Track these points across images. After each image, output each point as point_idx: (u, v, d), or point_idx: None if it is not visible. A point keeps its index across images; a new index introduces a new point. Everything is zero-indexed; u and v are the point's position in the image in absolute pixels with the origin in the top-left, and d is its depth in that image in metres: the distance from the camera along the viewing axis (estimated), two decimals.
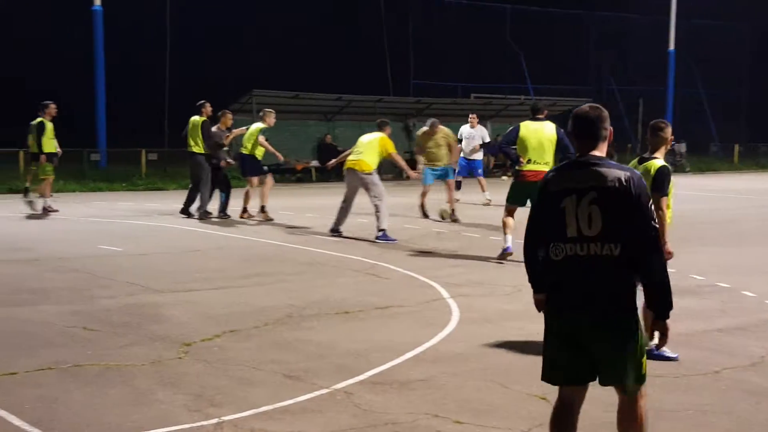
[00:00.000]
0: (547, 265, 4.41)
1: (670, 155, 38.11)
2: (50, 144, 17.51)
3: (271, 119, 17.07)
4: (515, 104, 36.60)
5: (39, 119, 17.39)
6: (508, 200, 12.07)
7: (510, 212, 12.03)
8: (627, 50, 52.62)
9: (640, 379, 4.42)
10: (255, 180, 17.19)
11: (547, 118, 12.31)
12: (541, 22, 50.02)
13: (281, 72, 45.27)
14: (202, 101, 17.37)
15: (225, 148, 17.33)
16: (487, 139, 20.62)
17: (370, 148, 14.35)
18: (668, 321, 4.35)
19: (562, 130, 11.97)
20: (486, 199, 20.14)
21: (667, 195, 7.15)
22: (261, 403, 5.77)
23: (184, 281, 10.24)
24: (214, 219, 16.61)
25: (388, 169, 31.03)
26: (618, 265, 4.21)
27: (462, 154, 19.88)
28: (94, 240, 13.55)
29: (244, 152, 17.08)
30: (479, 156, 20.60)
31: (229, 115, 17.55)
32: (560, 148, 11.90)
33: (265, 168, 17.19)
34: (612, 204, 4.21)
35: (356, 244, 13.57)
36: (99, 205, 19.77)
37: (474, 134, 20.16)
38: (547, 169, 11.30)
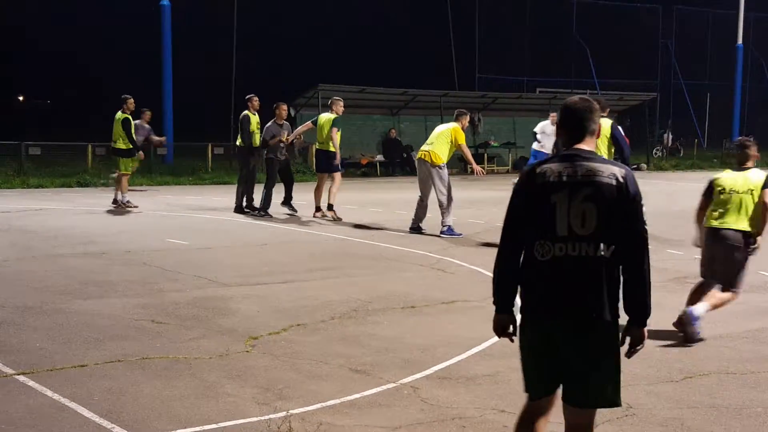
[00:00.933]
0: (529, 265, 4.05)
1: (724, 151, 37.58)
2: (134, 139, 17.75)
3: (340, 107, 16.40)
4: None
5: (124, 114, 17.40)
6: None
7: None
8: (695, 44, 51.73)
9: (615, 401, 4.00)
10: (325, 177, 16.48)
11: (609, 114, 12.17)
12: (608, 15, 49.39)
13: (347, 66, 45.43)
14: (250, 95, 17.02)
15: (281, 145, 16.63)
16: None
17: (441, 138, 14.19)
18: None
19: (618, 128, 11.93)
20: None
21: None
22: (328, 397, 5.76)
23: (251, 275, 10.29)
24: (275, 214, 16.46)
25: (454, 164, 30.97)
26: (609, 268, 3.89)
27: (535, 147, 19.95)
28: (162, 233, 13.70)
29: (319, 147, 16.55)
30: None
31: (284, 107, 16.86)
32: (614, 144, 11.89)
33: (338, 165, 16.43)
34: (608, 201, 3.87)
35: (422, 239, 13.53)
36: (166, 199, 20.01)
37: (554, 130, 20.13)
38: None
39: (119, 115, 17.47)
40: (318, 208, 16.47)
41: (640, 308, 3.93)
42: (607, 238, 3.87)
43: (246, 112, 16.89)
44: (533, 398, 4.13)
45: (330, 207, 16.11)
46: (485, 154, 31.93)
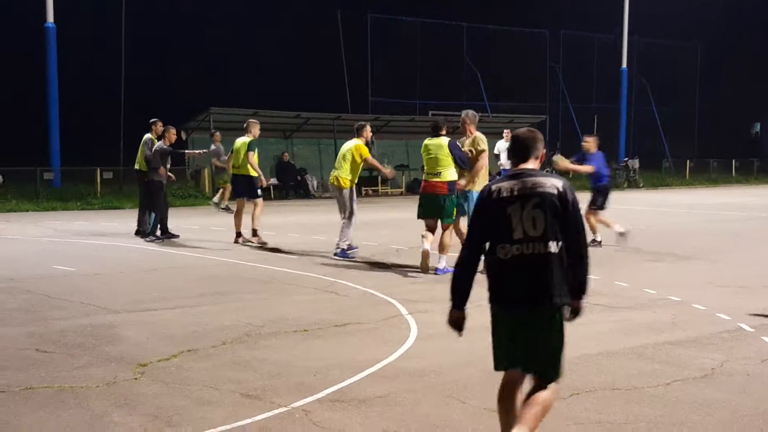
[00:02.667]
0: (495, 265, 4.90)
1: (623, 171, 38.80)
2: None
3: (256, 130, 16.28)
4: None
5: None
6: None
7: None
8: (581, 68, 53.18)
9: (557, 373, 4.94)
10: (244, 202, 16.13)
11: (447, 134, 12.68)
12: (497, 39, 50.38)
13: (239, 89, 45.19)
14: (154, 119, 16.86)
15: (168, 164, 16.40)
16: None
17: (346, 159, 14.15)
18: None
19: (456, 144, 12.42)
20: None
21: None
22: (218, 423, 5.71)
23: (140, 301, 10.12)
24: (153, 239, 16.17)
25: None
26: (557, 261, 4.79)
27: (502, 167, 21.61)
28: (48, 260, 13.37)
29: (236, 172, 16.17)
30: None
31: (173, 130, 16.61)
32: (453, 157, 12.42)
33: (259, 192, 16.13)
34: (552, 207, 4.79)
35: (315, 262, 13.52)
36: (53, 224, 19.52)
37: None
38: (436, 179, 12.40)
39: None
40: (239, 234, 16.05)
41: (581, 285, 4.91)
42: (554, 236, 4.80)
43: (150, 135, 16.61)
44: (504, 368, 5.03)
45: (254, 232, 15.79)
46: (379, 177, 32.13)
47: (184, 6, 49.18)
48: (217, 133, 23.04)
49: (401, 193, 32.00)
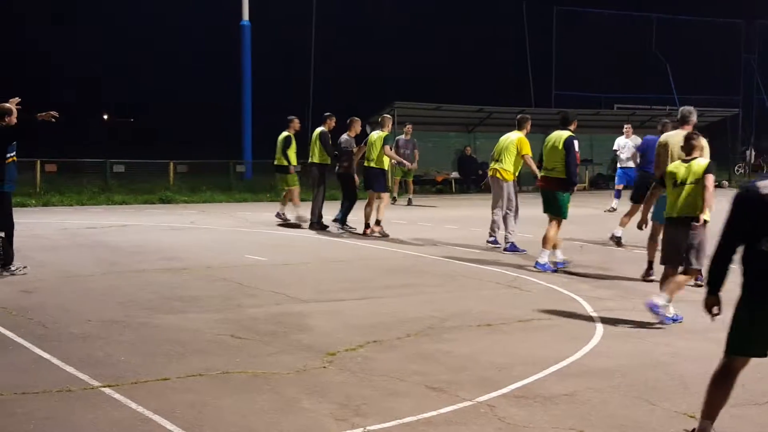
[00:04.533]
0: (757, 258, 5.08)
1: None
2: (294, 157, 18.08)
3: (390, 125, 16.63)
4: (661, 114, 35.70)
5: (286, 133, 17.93)
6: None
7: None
8: None
9: None
10: (374, 195, 16.35)
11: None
12: (689, 30, 48.65)
13: (422, 84, 45.56)
14: (328, 113, 17.30)
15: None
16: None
17: (508, 151, 14.20)
18: None
19: (573, 141, 12.03)
20: None
21: None
22: (405, 414, 5.80)
23: (328, 291, 10.40)
24: (350, 230, 16.52)
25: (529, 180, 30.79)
26: None
27: (619, 164, 20.68)
28: (240, 250, 13.92)
29: (368, 165, 16.38)
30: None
31: (358, 122, 16.95)
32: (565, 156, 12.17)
33: (386, 184, 16.53)
34: None
35: (498, 257, 13.49)
36: (244, 215, 20.30)
37: (628, 144, 20.16)
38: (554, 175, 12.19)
39: (288, 134, 17.92)
40: (368, 225, 16.29)
41: None
42: None
43: (324, 128, 17.07)
44: (739, 354, 5.30)
45: (378, 222, 16.07)
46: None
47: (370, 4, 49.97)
48: (409, 126, 23.67)
49: (584, 188, 31.42)
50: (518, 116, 14.76)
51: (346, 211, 16.54)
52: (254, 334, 8.07)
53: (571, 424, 5.70)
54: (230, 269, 11.92)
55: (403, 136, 23.32)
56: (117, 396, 6.08)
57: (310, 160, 17.31)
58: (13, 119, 11.17)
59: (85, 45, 53.76)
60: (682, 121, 11.08)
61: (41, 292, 10.03)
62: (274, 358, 7.22)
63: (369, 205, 16.36)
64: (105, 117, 68.15)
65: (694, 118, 11.09)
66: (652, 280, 10.91)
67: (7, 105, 11.20)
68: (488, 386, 6.47)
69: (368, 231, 16.24)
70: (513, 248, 13.92)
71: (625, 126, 21.50)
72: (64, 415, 5.68)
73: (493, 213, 14.39)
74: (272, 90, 41.78)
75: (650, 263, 11.35)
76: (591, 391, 6.42)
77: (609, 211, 20.00)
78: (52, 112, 11.08)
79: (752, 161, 41.34)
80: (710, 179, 8.72)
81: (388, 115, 17.14)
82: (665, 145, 11.10)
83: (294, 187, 18.17)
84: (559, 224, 12.29)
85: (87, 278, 11.05)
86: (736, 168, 38.82)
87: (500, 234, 14.31)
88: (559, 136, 12.32)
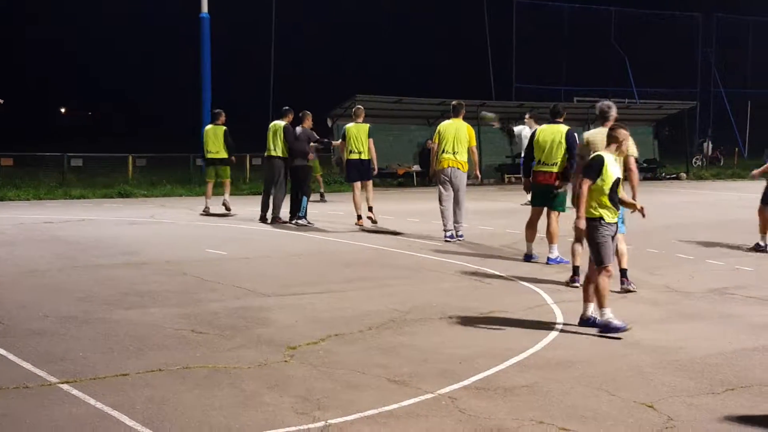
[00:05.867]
0: None
1: None
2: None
3: (363, 115, 16.92)
4: (620, 108, 36.00)
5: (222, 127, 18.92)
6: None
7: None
8: (735, 52, 51.25)
9: None
10: (359, 185, 16.69)
11: (565, 120, 12.49)
12: (647, 24, 49.10)
13: (383, 76, 45.56)
14: (287, 107, 17.49)
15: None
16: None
17: (461, 144, 14.35)
18: None
19: (573, 135, 12.11)
20: None
21: None
22: (366, 407, 5.80)
23: (289, 285, 10.37)
24: (306, 224, 16.54)
25: (491, 174, 30.92)
26: None
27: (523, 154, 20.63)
28: (200, 244, 13.84)
29: (355, 158, 16.62)
30: None
31: (310, 116, 17.27)
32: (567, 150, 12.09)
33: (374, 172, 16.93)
34: None
35: (457, 249, 13.53)
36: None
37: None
38: (555, 170, 12.00)
39: (215, 127, 18.95)
40: (360, 216, 16.57)
41: None
42: None
43: (284, 122, 17.11)
44: None
45: (370, 209, 16.56)
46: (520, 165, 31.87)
47: None
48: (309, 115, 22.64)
49: None
50: (454, 103, 14.92)
51: (304, 204, 16.64)
52: (215, 329, 8.03)
53: (532, 414, 5.73)
54: (190, 263, 11.84)
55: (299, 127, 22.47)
56: (75, 392, 6.02)
57: (272, 153, 17.23)
58: None
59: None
60: (602, 118, 11.04)
61: None
62: (234, 353, 7.19)
63: (357, 195, 16.61)
64: (62, 110, 67.43)
65: (613, 113, 11.07)
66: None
67: None
68: (449, 378, 6.49)
69: (361, 222, 16.46)
70: (458, 237, 14.36)
71: (527, 116, 21.18)
72: (22, 412, 5.61)
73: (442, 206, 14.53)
74: (231, 84, 41.58)
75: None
76: (551, 382, 6.46)
77: (526, 204, 19.80)
78: None
79: (710, 153, 41.86)
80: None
81: (361, 106, 17.27)
82: (588, 144, 11.12)
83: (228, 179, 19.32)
84: (557, 217, 12.27)
85: (44, 273, 10.92)
86: (693, 160, 39.27)
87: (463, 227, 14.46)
88: (558, 130, 12.17)
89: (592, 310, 8.19)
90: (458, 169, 14.28)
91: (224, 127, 18.88)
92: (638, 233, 13.81)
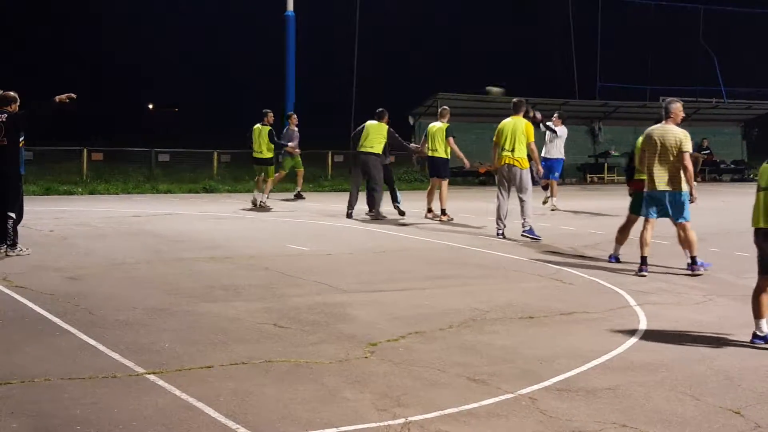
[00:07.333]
0: None
1: None
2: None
3: (448, 115, 17.73)
4: (707, 107, 35.32)
5: (267, 127, 19.57)
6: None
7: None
8: None
9: None
10: (437, 181, 17.58)
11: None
12: (736, 22, 47.98)
13: (466, 74, 45.41)
14: (381, 109, 17.89)
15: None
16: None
17: (518, 139, 14.42)
18: None
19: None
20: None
21: None
22: (446, 406, 5.80)
23: (370, 281, 10.42)
24: (394, 220, 16.87)
25: (573, 173, 30.58)
26: None
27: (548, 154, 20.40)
28: (283, 239, 13.99)
29: (434, 154, 17.50)
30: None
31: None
32: None
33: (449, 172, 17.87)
34: None
35: (539, 249, 13.43)
36: (287, 205, 20.39)
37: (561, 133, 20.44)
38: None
39: (261, 127, 19.44)
40: (430, 210, 17.66)
41: None
42: None
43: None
44: None
45: (443, 212, 17.19)
46: (605, 164, 31.48)
47: None
48: (294, 116, 22.56)
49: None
50: (514, 100, 15.17)
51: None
52: (296, 324, 8.12)
53: (614, 418, 5.66)
54: (273, 259, 11.98)
55: (288, 126, 22.50)
56: (161, 383, 6.15)
57: (368, 150, 17.54)
58: (16, 107, 11.80)
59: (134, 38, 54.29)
60: (666, 114, 11.00)
61: (87, 279, 10.16)
62: (316, 348, 7.26)
63: (431, 191, 17.76)
64: (150, 107, 68.78)
65: (673, 109, 10.96)
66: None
67: (12, 93, 11.88)
68: (530, 379, 6.46)
69: (430, 215, 17.54)
70: (531, 233, 14.30)
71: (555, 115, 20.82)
72: (110, 401, 5.75)
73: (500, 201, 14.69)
74: (314, 81, 41.88)
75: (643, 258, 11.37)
76: (634, 385, 6.38)
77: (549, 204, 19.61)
78: (70, 94, 11.50)
79: None
80: None
81: (447, 107, 18.09)
82: (650, 139, 11.04)
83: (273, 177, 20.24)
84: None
85: (132, 266, 11.17)
86: None
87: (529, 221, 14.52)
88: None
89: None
90: (515, 166, 14.29)
91: (269, 127, 19.51)
92: (723, 235, 13.55)
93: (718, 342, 7.71)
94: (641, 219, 11.59)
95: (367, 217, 17.29)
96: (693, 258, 11.33)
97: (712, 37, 46.90)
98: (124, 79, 55.16)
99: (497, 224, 14.55)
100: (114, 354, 6.86)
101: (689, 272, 11.29)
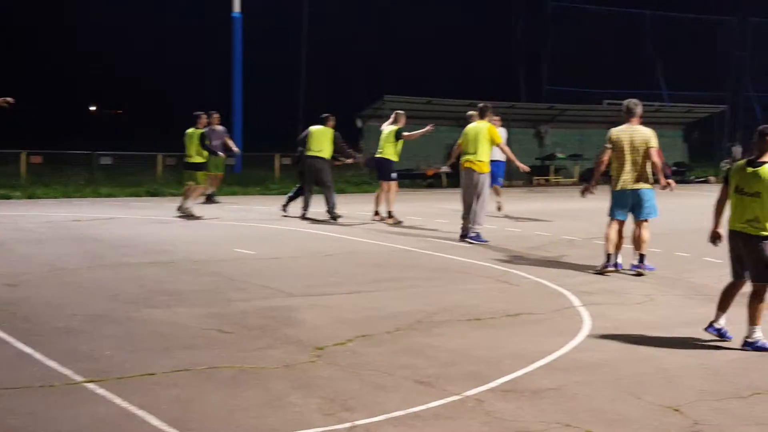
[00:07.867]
0: None
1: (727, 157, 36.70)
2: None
3: (403, 120, 17.90)
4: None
5: (199, 130, 18.50)
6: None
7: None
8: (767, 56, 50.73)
9: None
10: (386, 185, 17.65)
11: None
12: (679, 27, 48.72)
13: (412, 77, 45.50)
14: (326, 114, 18.07)
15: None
16: None
17: (481, 143, 14.35)
18: None
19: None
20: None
21: None
22: (393, 409, 5.76)
23: (317, 285, 10.35)
24: (342, 222, 16.94)
25: (520, 175, 30.77)
26: None
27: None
28: (230, 243, 13.85)
29: (380, 155, 17.79)
30: None
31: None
32: None
33: (394, 175, 17.77)
34: None
35: (485, 251, 13.46)
36: (233, 208, 20.22)
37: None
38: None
39: (194, 131, 18.47)
40: (377, 213, 17.64)
41: None
42: None
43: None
44: None
45: (389, 214, 17.28)
46: (551, 166, 31.74)
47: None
48: (215, 115, 21.66)
49: (573, 183, 31.44)
50: (479, 105, 15.10)
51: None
52: (242, 329, 8.02)
53: (558, 418, 5.67)
54: (219, 263, 11.85)
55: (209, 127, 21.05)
56: (101, 391, 6.02)
57: (317, 155, 17.77)
58: None
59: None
60: (628, 114, 11.16)
61: (25, 285, 9.94)
62: (262, 353, 7.17)
63: (379, 195, 17.76)
64: (92, 109, 67.83)
65: (639, 110, 11.14)
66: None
67: None
68: (476, 380, 6.44)
69: (377, 217, 17.50)
70: (477, 239, 14.22)
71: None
72: (47, 411, 5.62)
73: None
74: (261, 83, 41.67)
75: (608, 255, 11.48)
76: (578, 385, 6.40)
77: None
78: (6, 98, 11.25)
79: (738, 157, 41.41)
80: None
81: (402, 111, 18.29)
82: (617, 141, 11.18)
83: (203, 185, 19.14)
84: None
85: (72, 272, 10.97)
86: (721, 164, 38.95)
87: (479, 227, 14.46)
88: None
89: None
90: (474, 170, 14.30)
91: (201, 131, 18.50)
92: (666, 235, 13.69)
93: (660, 341, 7.79)
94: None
95: (308, 220, 17.31)
96: (642, 256, 11.42)
97: (655, 42, 47.64)
98: (69, 81, 54.34)
99: (464, 227, 14.52)
100: (52, 362, 6.70)
101: (632, 272, 11.37)
